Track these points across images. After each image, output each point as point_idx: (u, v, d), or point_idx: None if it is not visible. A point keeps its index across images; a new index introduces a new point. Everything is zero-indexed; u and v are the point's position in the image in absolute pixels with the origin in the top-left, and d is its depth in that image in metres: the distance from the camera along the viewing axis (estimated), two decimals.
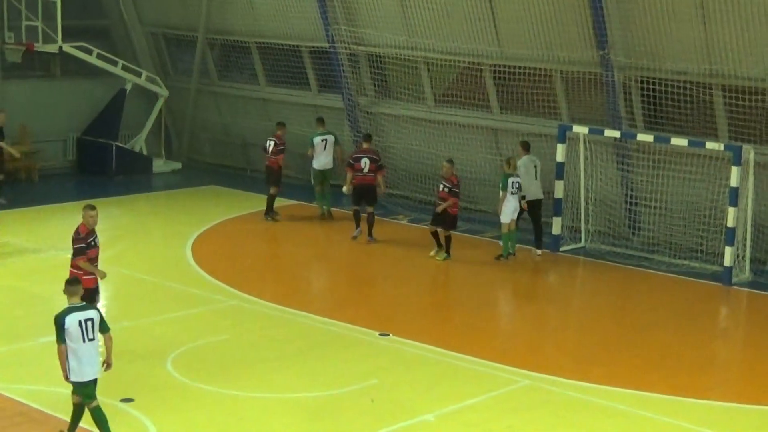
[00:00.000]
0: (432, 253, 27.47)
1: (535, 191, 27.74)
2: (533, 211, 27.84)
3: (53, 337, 15.81)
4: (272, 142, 31.12)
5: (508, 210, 26.47)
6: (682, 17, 25.80)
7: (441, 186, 26.86)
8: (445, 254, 26.85)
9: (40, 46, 35.07)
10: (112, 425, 16.77)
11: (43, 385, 18.79)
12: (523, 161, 27.72)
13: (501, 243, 27.14)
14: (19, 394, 18.41)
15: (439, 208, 26.50)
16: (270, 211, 30.89)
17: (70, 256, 20.03)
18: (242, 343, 21.41)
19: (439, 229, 26.89)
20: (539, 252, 27.84)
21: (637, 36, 26.94)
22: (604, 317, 24.16)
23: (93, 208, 19.38)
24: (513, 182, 26.54)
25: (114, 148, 36.87)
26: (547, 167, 28.41)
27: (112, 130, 37.21)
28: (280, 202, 31.33)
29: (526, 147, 28.09)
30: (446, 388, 19.16)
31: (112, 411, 17.75)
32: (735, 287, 25.48)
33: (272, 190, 30.96)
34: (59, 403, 17.99)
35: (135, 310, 23.47)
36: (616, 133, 27.45)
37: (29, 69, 36.83)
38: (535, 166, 27.80)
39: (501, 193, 26.64)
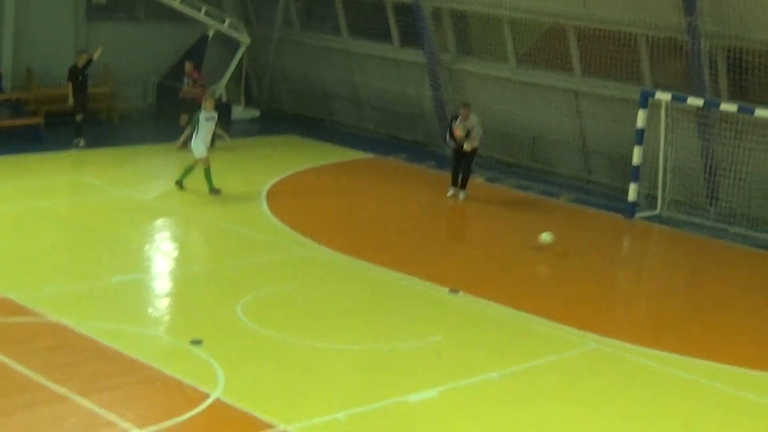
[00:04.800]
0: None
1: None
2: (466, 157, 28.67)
3: (127, 277, 15.98)
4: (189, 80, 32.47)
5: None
6: None
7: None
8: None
9: None
10: (179, 369, 17.17)
11: (114, 323, 19.04)
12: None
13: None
14: (92, 331, 18.68)
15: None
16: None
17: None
18: (312, 293, 21.59)
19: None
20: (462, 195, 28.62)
21: (726, 4, 26.75)
22: (676, 286, 24.20)
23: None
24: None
25: None
26: (628, 132, 28.45)
27: None
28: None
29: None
30: (513, 348, 19.30)
31: (182, 352, 18.12)
32: None
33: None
34: (130, 340, 18.39)
35: (208, 254, 23.79)
36: (699, 102, 27.34)
37: (114, 11, 37.22)
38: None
39: None
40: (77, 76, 32.16)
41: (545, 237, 16.39)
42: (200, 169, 27.45)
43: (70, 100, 32.13)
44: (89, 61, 32.16)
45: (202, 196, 27.93)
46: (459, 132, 28.01)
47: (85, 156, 30.93)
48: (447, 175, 29.24)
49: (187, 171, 27.91)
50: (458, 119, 28.27)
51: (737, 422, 16.89)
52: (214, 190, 27.75)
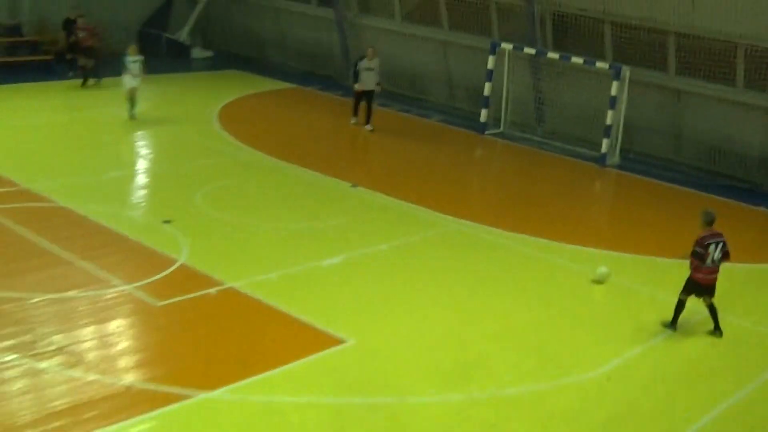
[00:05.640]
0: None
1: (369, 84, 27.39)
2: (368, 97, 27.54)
3: (114, 173, 15.67)
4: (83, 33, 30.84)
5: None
6: None
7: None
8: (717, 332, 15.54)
9: None
10: (154, 241, 17.18)
11: (106, 207, 19.05)
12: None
13: None
14: (90, 212, 18.67)
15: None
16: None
17: None
18: (251, 186, 21.61)
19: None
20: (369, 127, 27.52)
21: None
22: (512, 183, 24.50)
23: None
24: None
25: (164, 38, 36.80)
26: (481, 72, 28.57)
27: (163, 24, 37.16)
28: None
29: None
30: (397, 227, 19.50)
31: (155, 228, 18.12)
32: (608, 168, 25.84)
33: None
34: (118, 220, 18.36)
35: (173, 157, 23.66)
36: (532, 51, 27.51)
37: None
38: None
39: None
40: (70, 26, 31.69)
41: (602, 272, 15.14)
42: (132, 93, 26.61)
43: (64, 44, 31.87)
44: (77, 17, 31.61)
45: (169, 115, 27.71)
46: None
47: (75, 83, 30.57)
48: (348, 100, 29.19)
49: (131, 102, 26.66)
50: (364, 59, 27.39)
51: (548, 278, 17.37)
52: (132, 116, 26.59)
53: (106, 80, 30.01)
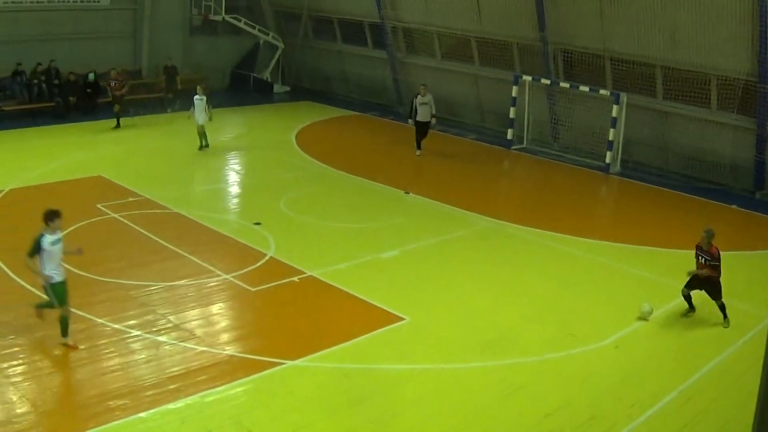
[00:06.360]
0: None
1: (425, 116, 26.04)
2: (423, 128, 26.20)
3: (212, 186, 15.75)
4: (114, 82, 28.28)
5: None
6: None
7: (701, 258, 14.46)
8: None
9: (212, 16, 34.87)
10: (248, 239, 17.15)
11: (208, 212, 19.14)
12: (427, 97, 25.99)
13: None
14: (195, 216, 18.79)
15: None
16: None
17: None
18: (323, 194, 21.52)
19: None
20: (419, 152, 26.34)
21: (561, 23, 26.60)
22: (534, 189, 24.25)
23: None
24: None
25: (251, 77, 36.94)
26: (506, 98, 28.37)
27: (251, 66, 37.27)
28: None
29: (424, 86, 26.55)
30: (441, 226, 19.41)
31: (248, 229, 18.18)
32: (611, 175, 25.51)
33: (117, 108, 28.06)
34: (217, 222, 18.41)
35: (260, 171, 23.75)
36: (548, 81, 27.26)
37: (204, 29, 36.53)
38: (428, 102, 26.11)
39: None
40: (169, 71, 32.27)
41: (646, 309, 14.60)
42: (201, 129, 25.43)
43: (163, 84, 32.30)
44: (174, 67, 32.15)
45: (256, 138, 27.81)
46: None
47: (182, 114, 30.74)
48: (398, 122, 29.01)
49: (201, 136, 25.31)
50: (418, 96, 26.07)
51: (565, 265, 17.18)
52: (202, 147, 25.26)
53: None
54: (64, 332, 12.43)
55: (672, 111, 25.13)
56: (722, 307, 14.61)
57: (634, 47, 25.00)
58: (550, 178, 25.41)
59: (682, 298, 14.79)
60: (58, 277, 12.15)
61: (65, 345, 12.43)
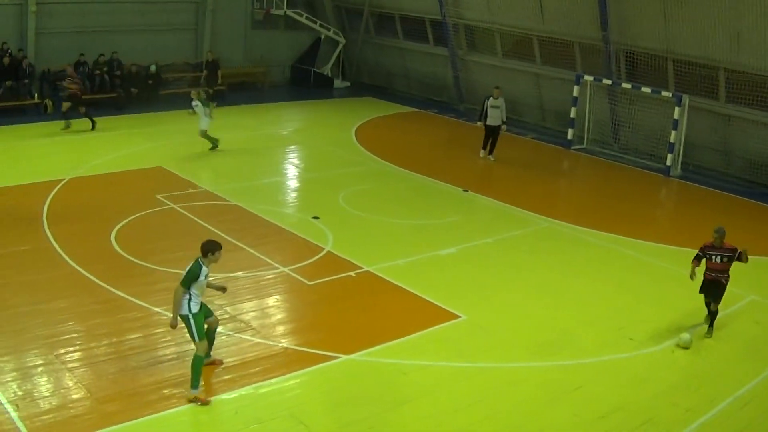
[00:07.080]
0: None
1: (495, 120, 25.23)
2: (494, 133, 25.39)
3: (272, 179, 15.84)
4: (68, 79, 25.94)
5: None
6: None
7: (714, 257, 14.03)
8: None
9: (273, 11, 35.17)
10: (306, 232, 17.24)
11: (267, 205, 19.27)
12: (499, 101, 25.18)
13: None
14: (255, 209, 18.96)
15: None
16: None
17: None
18: (382, 190, 21.58)
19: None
20: (492, 158, 25.55)
21: (624, 22, 26.27)
22: (594, 189, 24.03)
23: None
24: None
25: (312, 72, 37.08)
26: (567, 98, 28.17)
27: (312, 61, 37.40)
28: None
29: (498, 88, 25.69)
30: (499, 224, 19.34)
31: (306, 222, 18.28)
32: (671, 178, 25.16)
33: (81, 109, 25.76)
34: (277, 215, 18.49)
35: (319, 166, 23.83)
36: (609, 81, 26.97)
37: (267, 24, 36.77)
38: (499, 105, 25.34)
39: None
40: (210, 66, 31.41)
41: (686, 339, 14.12)
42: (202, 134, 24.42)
43: (203, 79, 31.09)
44: (215, 61, 31.32)
45: (316, 133, 27.92)
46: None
47: (243, 107, 31.02)
48: (458, 120, 28.88)
49: (209, 139, 24.20)
50: (490, 98, 25.24)
51: (623, 268, 17.01)
52: (213, 147, 24.22)
53: (268, 104, 30.12)
54: (195, 382, 11.04)
55: (735, 114, 24.72)
56: (714, 315, 14.22)
57: (697, 49, 24.63)
58: (609, 179, 25.14)
59: (706, 306, 14.35)
60: (196, 308, 11.21)
61: (195, 400, 11.01)
